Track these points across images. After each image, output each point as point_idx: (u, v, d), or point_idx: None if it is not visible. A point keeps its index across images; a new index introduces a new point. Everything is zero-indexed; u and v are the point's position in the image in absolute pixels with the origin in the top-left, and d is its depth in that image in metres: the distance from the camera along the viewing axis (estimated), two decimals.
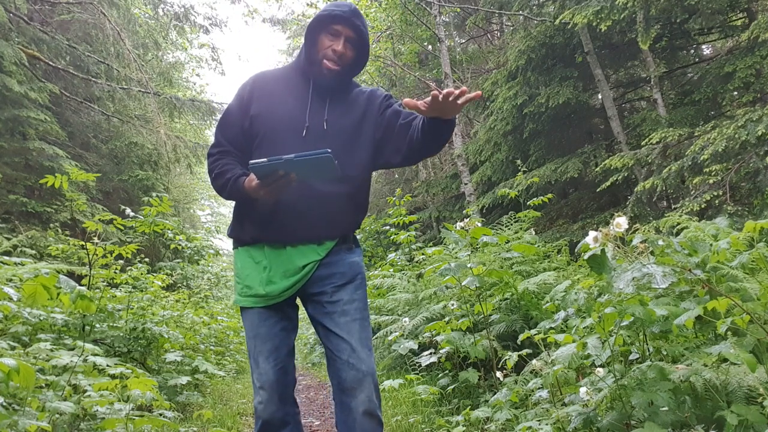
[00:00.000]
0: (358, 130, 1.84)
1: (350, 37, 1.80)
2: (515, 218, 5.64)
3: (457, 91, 1.54)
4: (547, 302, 3.08)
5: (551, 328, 2.63)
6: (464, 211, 9.48)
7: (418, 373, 4.27)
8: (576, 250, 1.94)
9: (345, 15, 1.78)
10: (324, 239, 1.82)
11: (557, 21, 8.31)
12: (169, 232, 7.63)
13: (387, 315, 5.50)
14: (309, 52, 1.83)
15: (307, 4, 16.26)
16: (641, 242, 1.83)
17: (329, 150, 1.53)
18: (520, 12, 9.96)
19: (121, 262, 5.31)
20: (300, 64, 1.88)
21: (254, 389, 1.82)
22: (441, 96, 1.54)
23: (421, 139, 1.74)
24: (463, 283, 3.26)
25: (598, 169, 7.92)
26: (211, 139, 3.54)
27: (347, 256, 1.86)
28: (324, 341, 1.82)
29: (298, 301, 1.93)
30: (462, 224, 3.39)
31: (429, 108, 1.59)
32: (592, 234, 1.72)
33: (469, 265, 3.29)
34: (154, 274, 6.83)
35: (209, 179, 1.88)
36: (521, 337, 2.75)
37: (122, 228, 5.51)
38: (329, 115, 1.82)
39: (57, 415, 2.27)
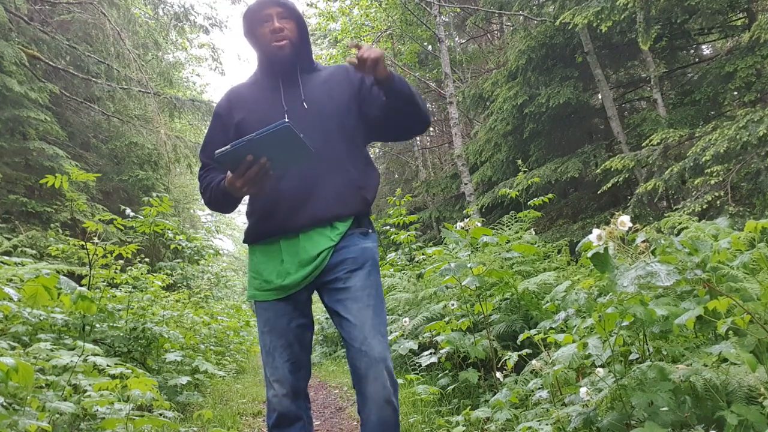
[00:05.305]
0: (339, 100, 1.88)
1: (279, 12, 1.85)
2: (515, 218, 5.63)
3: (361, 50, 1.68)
4: (548, 302, 3.08)
5: (551, 328, 2.63)
6: (464, 211, 9.48)
7: (418, 373, 4.27)
8: (576, 250, 1.94)
9: (263, 0, 1.85)
10: (333, 220, 1.82)
11: (557, 21, 8.31)
12: (169, 232, 7.60)
13: (387, 315, 5.49)
14: (258, 48, 1.90)
15: (307, 5, 16.28)
16: (642, 241, 1.82)
17: (287, 120, 1.50)
18: (520, 12, 9.95)
19: (121, 262, 5.30)
20: (260, 65, 1.95)
21: (267, 383, 1.85)
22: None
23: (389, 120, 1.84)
24: (463, 283, 3.26)
25: (598, 170, 7.91)
26: None
27: (360, 241, 1.86)
28: (339, 329, 1.84)
29: (314, 296, 1.94)
30: (462, 224, 3.38)
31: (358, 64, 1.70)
32: (596, 232, 1.72)
33: (469, 265, 3.29)
34: (154, 274, 6.82)
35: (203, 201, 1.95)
36: (521, 337, 2.74)
37: (122, 228, 5.50)
38: (306, 95, 1.87)
39: (57, 415, 2.27)
